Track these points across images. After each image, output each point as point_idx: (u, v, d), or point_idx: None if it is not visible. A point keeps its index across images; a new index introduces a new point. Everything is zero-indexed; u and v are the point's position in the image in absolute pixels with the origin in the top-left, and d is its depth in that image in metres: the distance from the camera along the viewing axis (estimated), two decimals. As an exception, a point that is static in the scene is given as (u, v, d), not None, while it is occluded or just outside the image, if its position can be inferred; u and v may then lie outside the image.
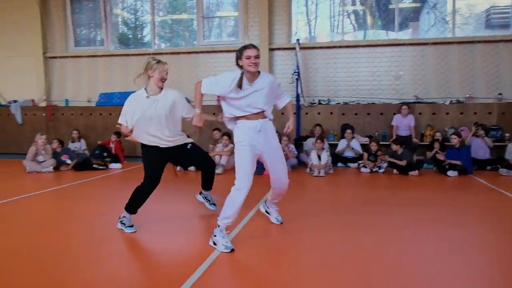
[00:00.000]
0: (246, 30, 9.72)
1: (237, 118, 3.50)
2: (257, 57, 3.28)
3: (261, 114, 3.48)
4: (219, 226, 3.35)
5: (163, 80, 3.67)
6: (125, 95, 10.22)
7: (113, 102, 10.30)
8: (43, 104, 10.68)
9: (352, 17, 10.02)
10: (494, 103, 8.52)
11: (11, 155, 10.37)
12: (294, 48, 9.10)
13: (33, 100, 10.77)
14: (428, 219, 4.21)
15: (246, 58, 3.26)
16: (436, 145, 7.77)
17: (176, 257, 3.25)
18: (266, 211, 4.17)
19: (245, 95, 3.37)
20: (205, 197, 4.45)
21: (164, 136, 3.71)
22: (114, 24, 10.80)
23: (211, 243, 3.36)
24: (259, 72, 3.41)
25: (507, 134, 8.16)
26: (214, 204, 4.44)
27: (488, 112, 8.49)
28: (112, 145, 8.77)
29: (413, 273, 2.84)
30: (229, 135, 8.20)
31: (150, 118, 3.62)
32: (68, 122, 10.43)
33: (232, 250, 3.22)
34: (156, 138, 3.70)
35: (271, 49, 9.51)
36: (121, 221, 3.84)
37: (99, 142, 8.96)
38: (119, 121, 3.74)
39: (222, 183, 6.68)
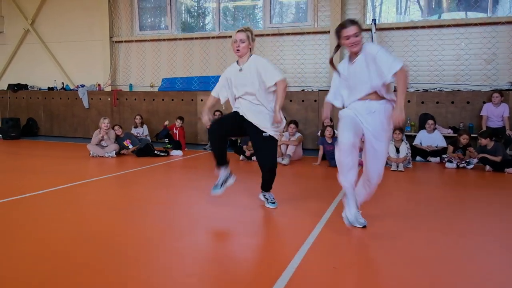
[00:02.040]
0: (316, 11, 9.03)
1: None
2: (356, 35, 3.12)
3: (373, 94, 3.21)
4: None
5: (235, 49, 3.73)
6: (187, 80, 10.05)
7: (175, 88, 10.11)
8: (109, 88, 10.74)
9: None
10: None
11: (77, 139, 10.56)
12: (370, 30, 8.29)
13: (99, 85, 10.87)
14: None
15: (346, 39, 3.15)
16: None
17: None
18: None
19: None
20: (264, 196, 4.13)
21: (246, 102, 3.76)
22: (178, 12, 10.54)
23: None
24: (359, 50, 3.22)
25: None
26: (273, 203, 4.05)
27: None
28: (176, 131, 8.55)
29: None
30: (296, 123, 7.65)
31: (236, 86, 3.80)
32: (132, 107, 10.40)
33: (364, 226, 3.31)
34: (239, 104, 3.84)
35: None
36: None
37: (166, 123, 8.72)
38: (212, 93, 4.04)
39: (287, 177, 6.17)
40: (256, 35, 9.70)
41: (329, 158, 6.76)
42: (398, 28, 8.46)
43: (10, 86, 11.65)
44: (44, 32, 11.47)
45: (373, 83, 3.13)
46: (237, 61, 3.80)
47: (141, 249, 2.90)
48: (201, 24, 10.71)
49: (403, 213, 3.98)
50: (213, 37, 9.80)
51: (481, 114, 7.51)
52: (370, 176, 3.36)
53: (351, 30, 3.08)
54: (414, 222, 3.64)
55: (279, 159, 7.02)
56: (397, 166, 6.39)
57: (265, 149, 3.78)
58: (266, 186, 4.01)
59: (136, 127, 9.28)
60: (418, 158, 7.34)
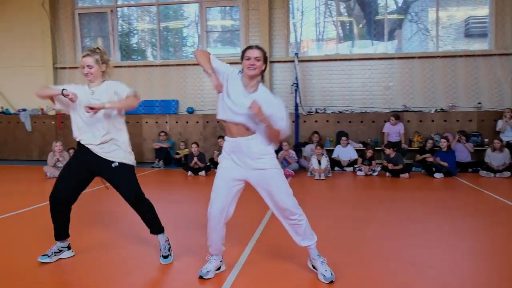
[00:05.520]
0: (247, 43, 10.43)
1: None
2: (257, 59, 2.88)
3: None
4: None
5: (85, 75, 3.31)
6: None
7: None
8: (52, 112, 11.18)
9: (339, 27, 10.81)
10: (474, 111, 9.42)
11: (21, 161, 10.84)
12: (292, 61, 9.87)
13: (42, 109, 11.26)
14: (421, 215, 4.98)
15: (246, 59, 2.89)
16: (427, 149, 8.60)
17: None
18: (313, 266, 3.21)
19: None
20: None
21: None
22: (120, 41, 11.38)
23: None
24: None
25: (486, 140, 9.07)
26: (166, 257, 3.42)
27: (469, 119, 9.38)
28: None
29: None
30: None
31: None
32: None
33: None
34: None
35: (271, 62, 10.24)
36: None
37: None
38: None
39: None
40: (192, 64, 10.74)
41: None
42: (316, 60, 10.15)
43: None
44: (-17, 58, 11.61)
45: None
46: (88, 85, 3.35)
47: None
48: (143, 47, 11.70)
49: (324, 210, 5.38)
50: (156, 65, 10.79)
51: (383, 131, 9.36)
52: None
53: (255, 52, 2.90)
54: (332, 214, 5.04)
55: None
56: (320, 176, 7.89)
57: (121, 179, 3.29)
58: (151, 226, 3.44)
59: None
60: (336, 168, 8.94)
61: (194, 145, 8.76)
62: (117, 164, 3.23)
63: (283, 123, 2.94)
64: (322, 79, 10.14)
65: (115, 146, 3.26)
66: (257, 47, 2.94)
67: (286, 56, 10.26)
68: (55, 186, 3.27)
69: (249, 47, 2.95)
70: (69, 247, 3.54)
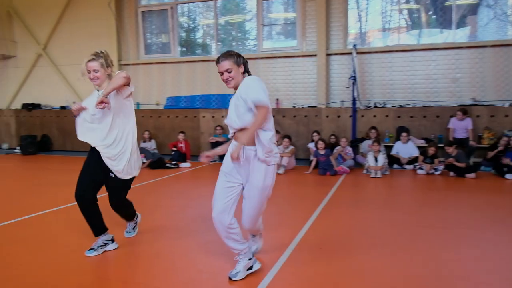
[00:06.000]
0: (304, 36, 10.21)
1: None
2: (228, 71, 2.86)
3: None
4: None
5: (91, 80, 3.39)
6: (191, 99, 11.14)
7: (179, 105, 11.19)
8: (118, 107, 11.75)
9: (406, 16, 10.13)
10: (556, 105, 8.47)
11: (79, 153, 11.55)
12: (350, 53, 9.49)
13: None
14: (487, 219, 4.55)
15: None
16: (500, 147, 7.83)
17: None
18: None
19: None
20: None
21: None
22: (180, 37, 11.68)
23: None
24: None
25: None
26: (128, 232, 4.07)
27: (549, 114, 8.44)
28: (181, 145, 9.64)
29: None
30: (289, 137, 8.76)
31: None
32: (140, 124, 11.31)
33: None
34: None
35: (328, 54, 9.93)
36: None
37: (172, 147, 9.75)
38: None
39: (285, 182, 7.28)
40: (251, 58, 10.81)
41: (321, 167, 7.88)
42: (376, 52, 9.67)
43: (24, 106, 12.63)
44: (56, 56, 12.51)
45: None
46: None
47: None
48: (201, 41, 11.91)
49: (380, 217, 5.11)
50: (213, 60, 10.92)
51: (448, 127, 8.70)
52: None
53: (224, 65, 2.84)
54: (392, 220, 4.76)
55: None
56: (376, 173, 7.53)
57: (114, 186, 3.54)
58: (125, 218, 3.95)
59: (144, 141, 10.33)
60: (395, 165, 8.49)
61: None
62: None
63: (254, 96, 2.77)
64: (382, 71, 9.65)
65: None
66: (224, 57, 2.86)
67: (344, 48, 9.88)
68: (77, 186, 3.44)
69: (217, 61, 2.90)
70: (112, 240, 3.68)
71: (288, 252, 3.58)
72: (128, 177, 3.49)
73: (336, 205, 5.37)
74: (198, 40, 12.12)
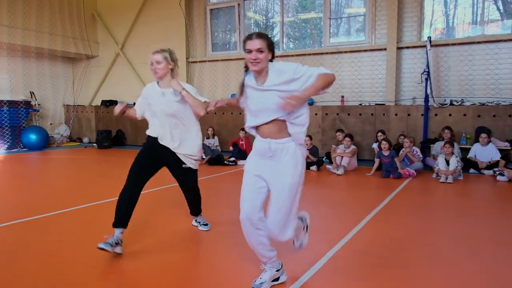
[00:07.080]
0: (373, 29, 9.57)
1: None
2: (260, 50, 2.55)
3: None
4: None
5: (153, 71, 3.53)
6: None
7: (243, 102, 11.13)
8: (185, 103, 12.06)
9: (500, 4, 8.94)
10: None
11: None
12: (424, 46, 8.68)
13: (177, 100, 12.24)
14: None
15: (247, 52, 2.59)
16: None
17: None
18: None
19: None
20: (195, 221, 4.25)
21: None
22: (247, 27, 11.64)
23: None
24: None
25: None
26: (206, 224, 4.18)
27: None
28: (242, 142, 9.57)
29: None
30: (351, 136, 8.26)
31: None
32: (204, 120, 11.54)
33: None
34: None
35: (399, 48, 9.20)
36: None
37: (231, 145, 9.68)
38: None
39: (341, 183, 6.85)
40: (315, 54, 10.42)
41: (384, 169, 7.31)
42: (454, 44, 8.74)
43: (103, 102, 13.49)
44: (132, 55, 13.18)
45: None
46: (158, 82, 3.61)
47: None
48: (270, 36, 11.70)
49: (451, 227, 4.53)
50: (277, 56, 10.70)
51: (539, 128, 7.59)
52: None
53: (256, 43, 2.55)
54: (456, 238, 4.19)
55: (334, 169, 7.73)
56: (446, 178, 6.78)
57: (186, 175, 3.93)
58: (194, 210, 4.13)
59: (208, 138, 10.43)
60: (471, 170, 7.60)
61: (307, 138, 8.42)
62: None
63: (316, 71, 2.58)
64: (460, 66, 8.70)
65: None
66: (259, 36, 2.57)
67: (417, 41, 9.09)
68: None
69: (249, 37, 2.58)
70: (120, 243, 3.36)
71: (321, 263, 3.25)
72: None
73: (392, 212, 4.87)
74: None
